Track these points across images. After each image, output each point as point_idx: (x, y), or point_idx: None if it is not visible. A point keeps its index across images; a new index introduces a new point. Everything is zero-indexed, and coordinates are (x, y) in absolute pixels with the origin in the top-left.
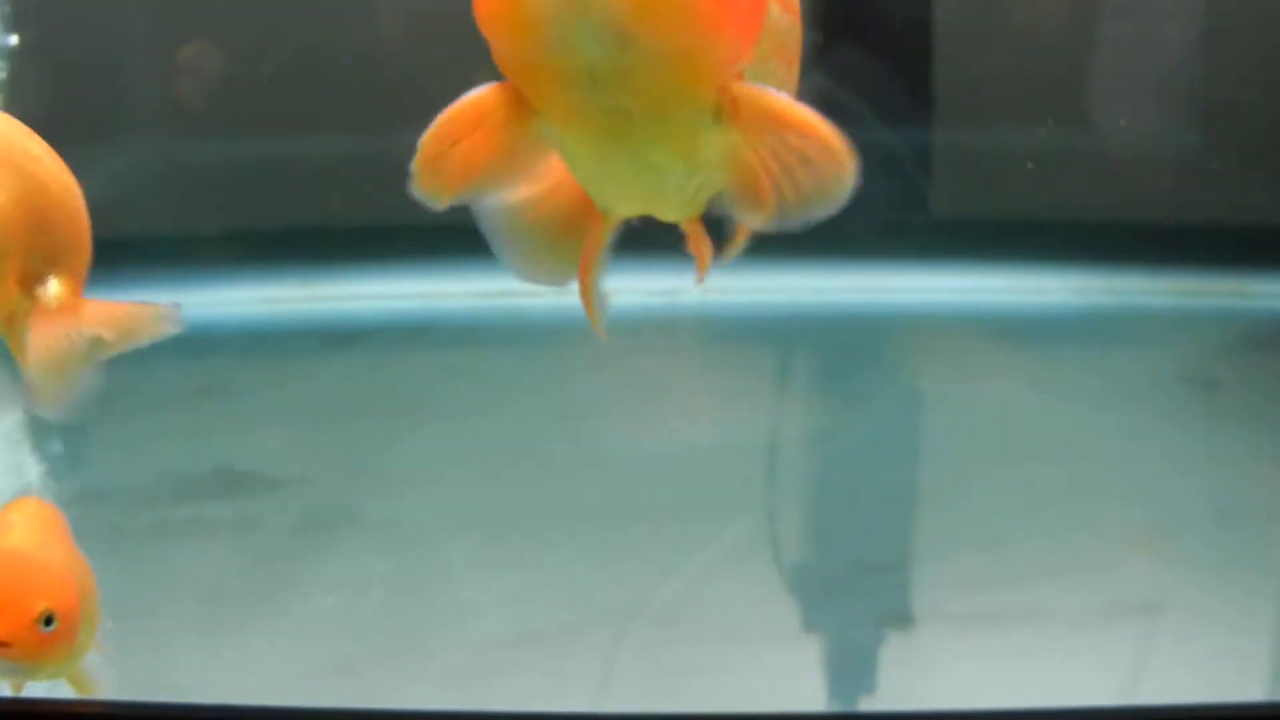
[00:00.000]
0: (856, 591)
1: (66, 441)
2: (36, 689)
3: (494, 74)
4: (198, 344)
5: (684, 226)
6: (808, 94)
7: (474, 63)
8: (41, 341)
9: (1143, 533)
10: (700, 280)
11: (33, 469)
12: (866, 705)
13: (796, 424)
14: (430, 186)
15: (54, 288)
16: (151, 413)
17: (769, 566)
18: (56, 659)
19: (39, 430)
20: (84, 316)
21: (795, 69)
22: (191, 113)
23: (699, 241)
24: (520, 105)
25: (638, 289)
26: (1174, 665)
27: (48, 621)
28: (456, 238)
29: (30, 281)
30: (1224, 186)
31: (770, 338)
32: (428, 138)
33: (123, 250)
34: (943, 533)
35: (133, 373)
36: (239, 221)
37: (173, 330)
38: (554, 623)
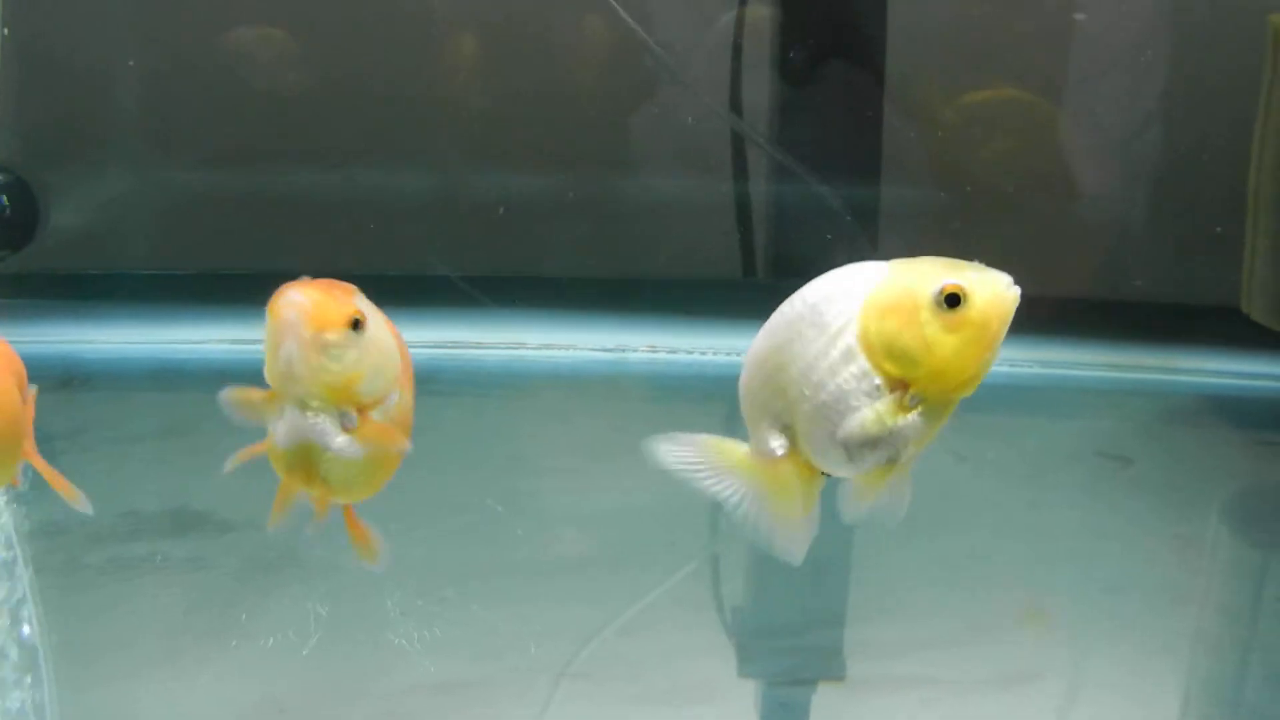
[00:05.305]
0: (761, 654)
1: (30, 474)
2: None
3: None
4: (168, 380)
5: None
6: (769, 163)
7: (451, 107)
8: None
9: (1035, 604)
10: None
11: None
12: None
13: None
14: None
15: None
16: (117, 447)
17: (683, 627)
18: None
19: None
20: None
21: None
22: (173, 147)
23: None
24: None
25: (586, 345)
26: None
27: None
28: (416, 288)
29: None
30: (1156, 264)
31: (713, 397)
32: None
33: (100, 284)
34: (848, 600)
35: (105, 408)
36: (212, 261)
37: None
38: (475, 673)
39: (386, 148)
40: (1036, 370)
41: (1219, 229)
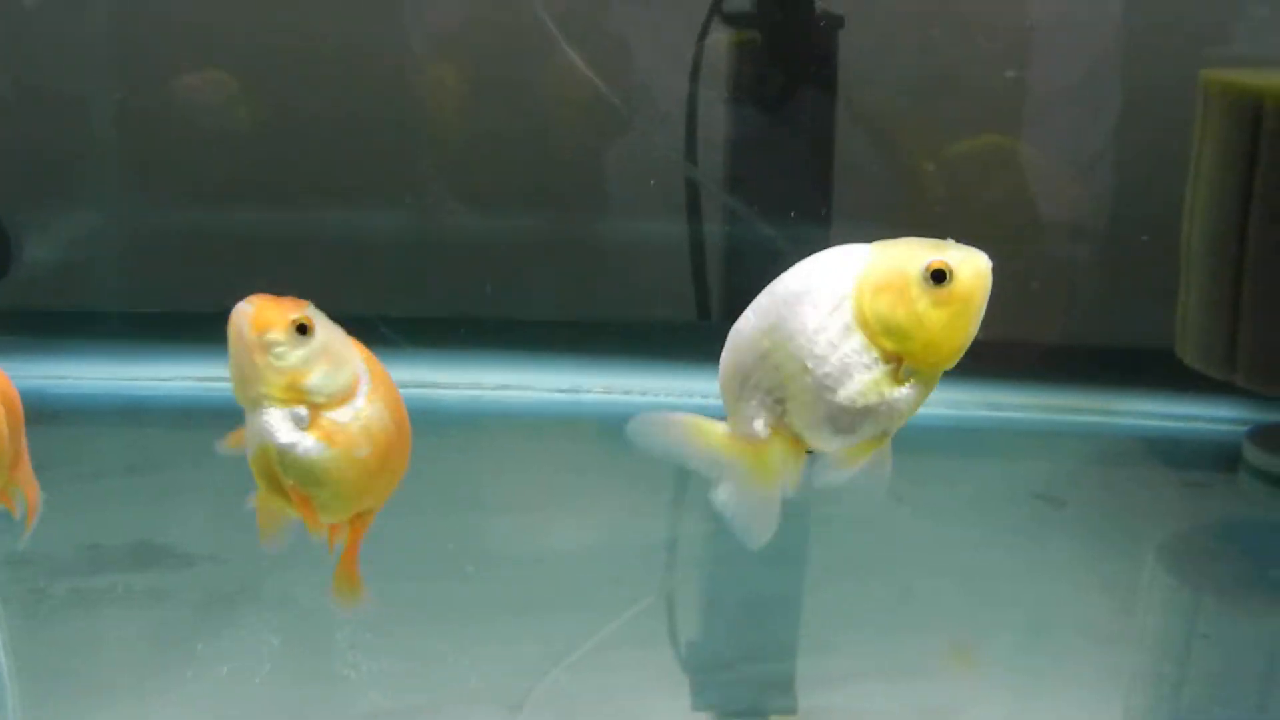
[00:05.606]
0: (700, 687)
1: None
2: None
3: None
4: (134, 417)
5: None
6: (725, 206)
7: (417, 150)
8: None
9: (960, 642)
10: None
11: None
12: None
13: (675, 527)
14: None
15: None
16: (81, 483)
17: (637, 662)
18: None
19: None
20: None
21: None
22: (144, 186)
23: None
24: None
25: (542, 386)
26: None
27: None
28: (377, 329)
29: None
30: (1095, 309)
31: None
32: None
33: (70, 320)
34: (784, 635)
35: (71, 443)
36: (180, 300)
37: None
38: (420, 704)
39: (354, 189)
40: (976, 412)
41: (1156, 276)
